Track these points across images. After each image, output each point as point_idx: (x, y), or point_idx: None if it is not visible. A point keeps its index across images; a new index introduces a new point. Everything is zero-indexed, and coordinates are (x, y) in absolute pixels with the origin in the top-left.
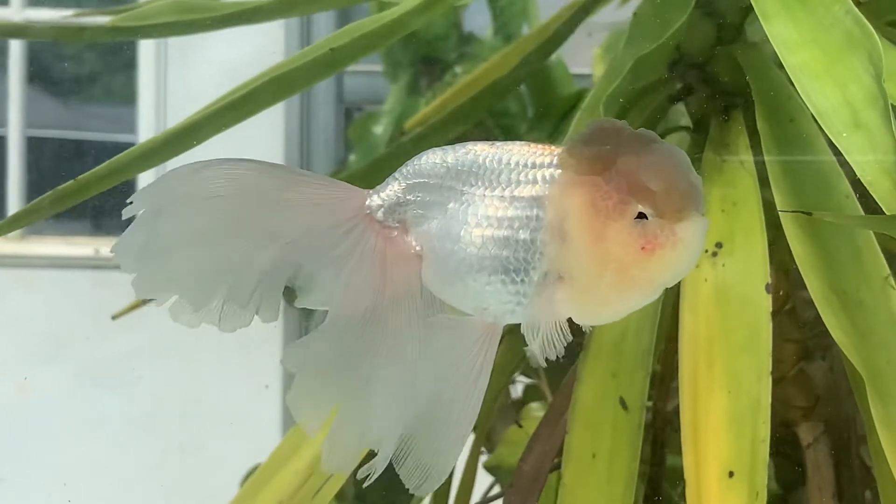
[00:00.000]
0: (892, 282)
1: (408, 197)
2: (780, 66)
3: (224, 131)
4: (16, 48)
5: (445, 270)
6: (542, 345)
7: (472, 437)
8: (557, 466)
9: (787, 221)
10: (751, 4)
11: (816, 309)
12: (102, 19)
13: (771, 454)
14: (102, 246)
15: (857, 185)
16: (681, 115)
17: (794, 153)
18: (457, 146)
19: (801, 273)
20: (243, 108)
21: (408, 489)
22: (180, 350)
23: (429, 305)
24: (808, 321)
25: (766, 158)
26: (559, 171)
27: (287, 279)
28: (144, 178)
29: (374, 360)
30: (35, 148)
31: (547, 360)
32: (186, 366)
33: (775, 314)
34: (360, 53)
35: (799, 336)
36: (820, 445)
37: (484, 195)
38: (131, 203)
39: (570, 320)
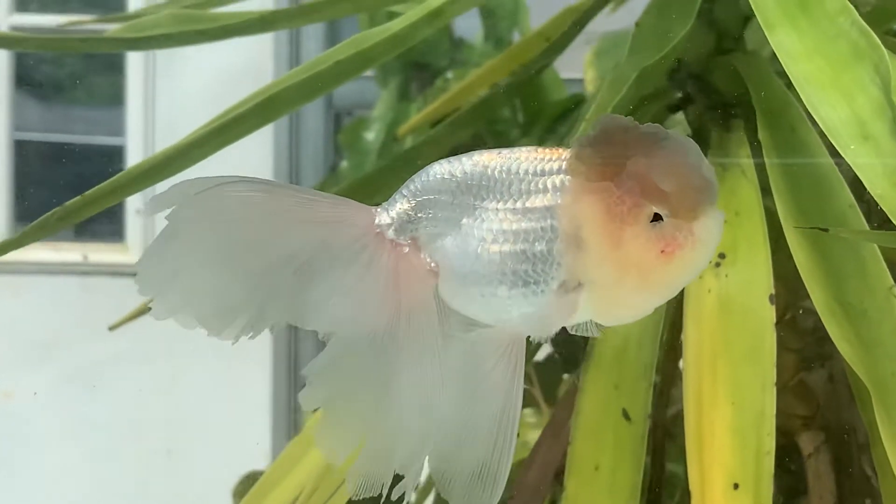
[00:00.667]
0: None
1: (419, 214)
2: (781, 74)
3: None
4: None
5: (465, 287)
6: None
7: None
8: (559, 478)
9: (790, 232)
10: (750, 13)
11: (815, 317)
12: (98, 27)
13: None
14: (90, 252)
15: (855, 188)
16: (677, 123)
17: (795, 163)
18: (462, 157)
19: (805, 284)
20: (254, 119)
21: None
22: (168, 355)
23: (445, 320)
24: (807, 330)
25: (769, 166)
26: (569, 177)
27: (300, 301)
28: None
29: (395, 380)
30: (20, 151)
31: (539, 367)
32: (174, 371)
33: (775, 323)
34: (364, 66)
35: (799, 345)
36: (821, 455)
37: (497, 209)
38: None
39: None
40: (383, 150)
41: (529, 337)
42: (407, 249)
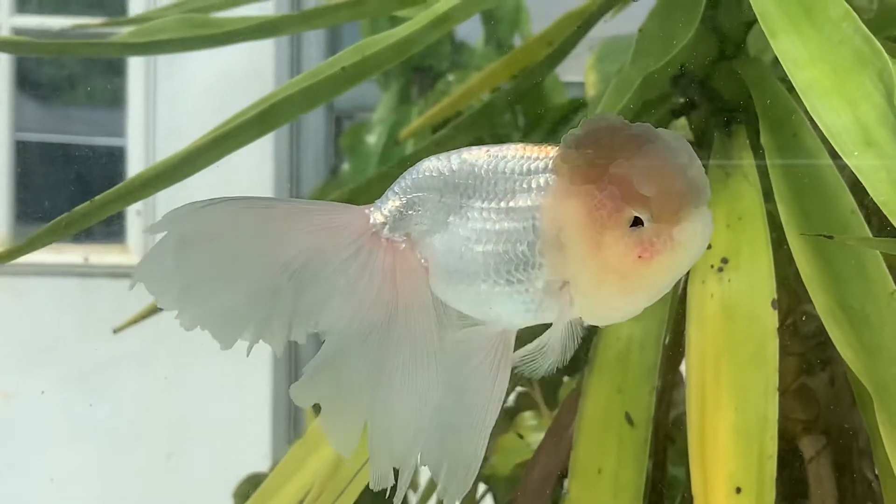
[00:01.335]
0: None
1: (409, 211)
2: (783, 80)
3: (248, 144)
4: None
5: (452, 284)
6: (561, 345)
7: None
8: (562, 481)
9: (792, 237)
10: (753, 20)
11: (816, 321)
12: (104, 31)
13: None
14: (90, 253)
15: (855, 193)
16: (680, 128)
17: (797, 168)
18: (452, 154)
19: (808, 289)
20: (258, 126)
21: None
22: (168, 356)
23: (441, 314)
24: (808, 334)
25: (771, 171)
26: (554, 177)
27: (301, 307)
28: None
29: (393, 375)
30: (21, 152)
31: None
32: (174, 372)
33: (777, 328)
34: (370, 72)
35: (800, 349)
36: (822, 459)
37: (482, 208)
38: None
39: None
40: (384, 153)
41: (546, 358)
42: (403, 246)
